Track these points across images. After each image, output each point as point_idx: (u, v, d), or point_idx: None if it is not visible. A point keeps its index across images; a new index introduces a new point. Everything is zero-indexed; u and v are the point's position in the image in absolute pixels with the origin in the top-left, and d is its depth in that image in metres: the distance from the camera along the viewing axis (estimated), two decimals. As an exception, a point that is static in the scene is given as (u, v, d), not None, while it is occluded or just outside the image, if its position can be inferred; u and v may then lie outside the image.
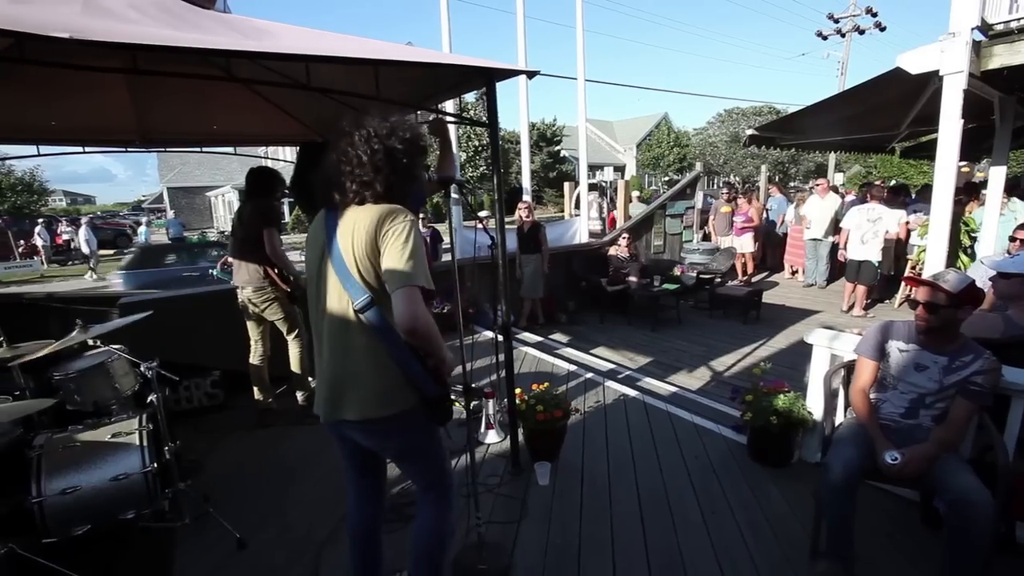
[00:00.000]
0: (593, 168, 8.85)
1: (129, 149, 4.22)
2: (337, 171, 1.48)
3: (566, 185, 11.83)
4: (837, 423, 2.39)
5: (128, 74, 3.24)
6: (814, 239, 8.09)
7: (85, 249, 15.05)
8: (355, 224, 1.45)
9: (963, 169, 9.11)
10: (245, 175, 3.55)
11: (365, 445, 1.61)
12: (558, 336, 6.14)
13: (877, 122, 6.34)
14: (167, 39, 1.54)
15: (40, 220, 20.03)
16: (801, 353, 5.26)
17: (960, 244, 6.17)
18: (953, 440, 1.96)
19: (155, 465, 2.38)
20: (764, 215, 9.39)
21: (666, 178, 36.45)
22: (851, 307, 6.71)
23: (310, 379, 3.84)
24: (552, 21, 36.88)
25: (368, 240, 1.41)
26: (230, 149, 4.72)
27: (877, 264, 6.46)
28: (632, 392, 4.01)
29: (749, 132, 6.60)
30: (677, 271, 7.85)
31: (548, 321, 6.59)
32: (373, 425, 1.51)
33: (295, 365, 3.72)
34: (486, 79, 2.36)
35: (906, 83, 4.28)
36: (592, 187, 9.14)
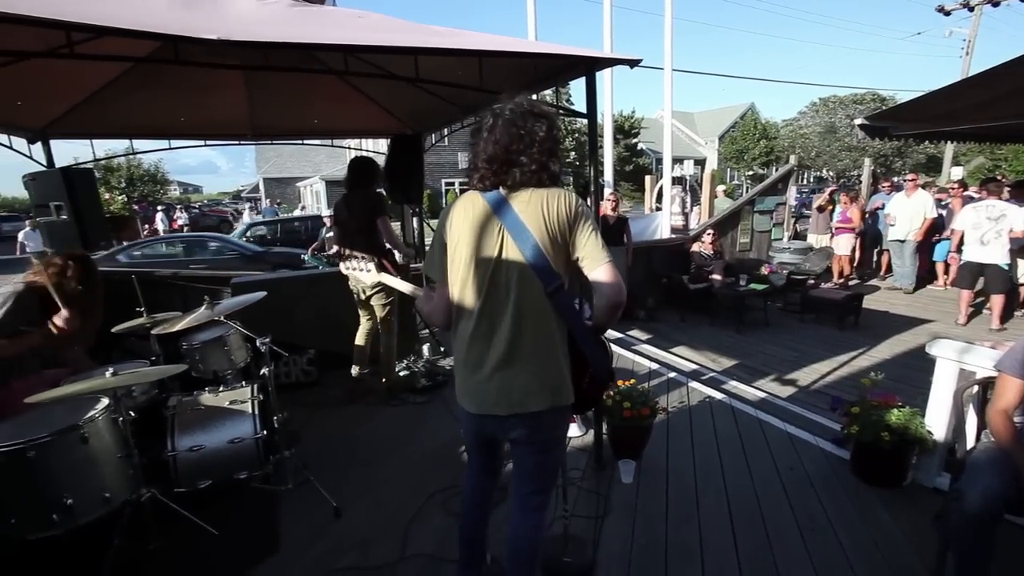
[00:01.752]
0: (673, 162, 8.49)
1: (242, 142, 4.61)
2: (515, 148, 1.44)
3: (647, 179, 11.49)
4: (969, 446, 2.14)
5: (249, 73, 3.53)
6: (898, 240, 7.32)
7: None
8: (543, 209, 1.43)
9: None
10: (348, 165, 3.72)
11: (520, 438, 1.56)
12: (636, 333, 5.98)
13: (1012, 109, 5.56)
14: (299, 36, 1.64)
15: (160, 207, 22.48)
16: (911, 366, 4.83)
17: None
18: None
19: (264, 432, 2.59)
20: (867, 215, 8.56)
21: (750, 172, 34.37)
22: (969, 318, 5.98)
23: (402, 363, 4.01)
24: (635, 9, 35.70)
25: (562, 223, 1.43)
26: (328, 141, 5.00)
27: (1007, 267, 5.69)
28: (718, 395, 3.83)
29: (859, 121, 6.01)
30: (765, 270, 7.38)
31: (625, 317, 6.44)
32: (554, 415, 1.52)
33: (385, 354, 3.89)
34: (586, 68, 2.32)
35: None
36: (675, 181, 8.80)
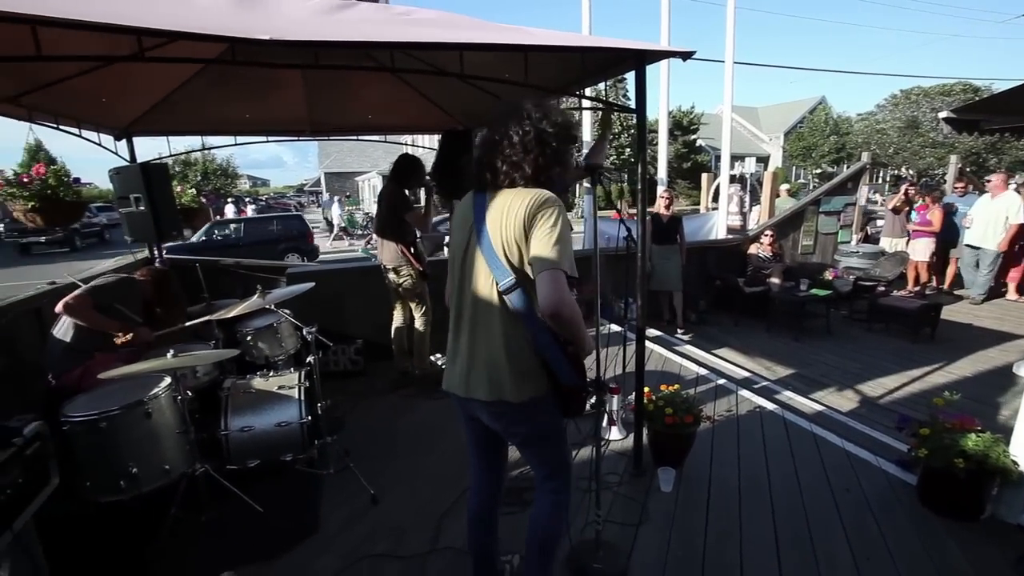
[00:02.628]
0: (733, 159, 8.07)
1: (300, 138, 4.81)
2: (489, 151, 1.50)
3: (703, 176, 11.04)
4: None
5: (306, 71, 3.67)
6: (973, 245, 6.63)
7: (336, 222, 18.65)
8: (505, 207, 1.45)
9: None
10: (395, 160, 3.84)
11: (492, 427, 1.63)
12: (685, 335, 5.78)
13: None
14: (347, 35, 1.68)
15: (230, 199, 24.00)
16: (994, 385, 4.39)
17: None
18: None
19: (309, 418, 2.70)
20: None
21: (818, 170, 32.35)
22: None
23: (434, 357, 4.07)
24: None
25: (518, 223, 1.41)
26: (381, 137, 5.13)
27: None
28: (769, 405, 3.63)
29: (944, 115, 5.51)
30: (829, 275, 6.93)
31: (675, 318, 6.24)
32: (503, 407, 1.52)
33: (418, 341, 3.97)
34: (636, 62, 2.24)
35: None
36: (733, 179, 8.40)
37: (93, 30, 1.59)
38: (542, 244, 1.38)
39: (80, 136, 3.58)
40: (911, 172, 26.22)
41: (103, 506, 2.20)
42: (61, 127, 3.36)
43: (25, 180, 2.76)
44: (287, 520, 2.43)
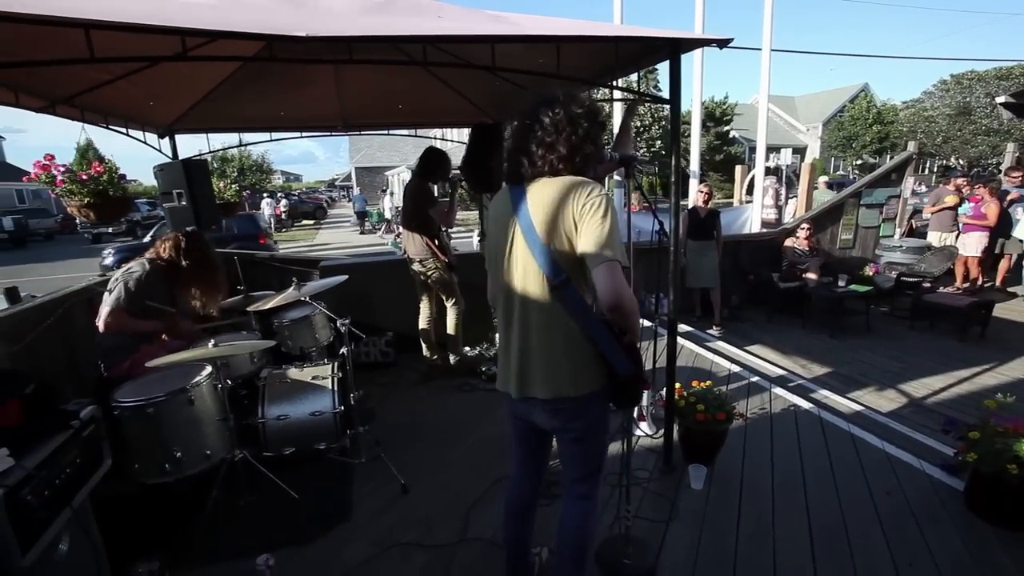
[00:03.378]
0: (769, 150, 7.78)
1: (333, 133, 4.90)
2: (522, 138, 1.47)
3: (737, 169, 10.74)
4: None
5: (338, 66, 3.73)
6: None
7: (388, 215, 18.71)
8: (547, 197, 1.42)
9: None
10: (421, 154, 3.87)
11: (546, 425, 1.60)
12: (716, 331, 5.66)
13: None
14: (381, 29, 1.69)
15: (265, 194, 24.67)
16: (1055, 388, 4.15)
17: None
18: None
19: (342, 408, 2.77)
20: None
21: (859, 161, 31.04)
22: None
23: (466, 348, 4.11)
24: (730, -14, 33.27)
25: (566, 215, 1.39)
26: (411, 131, 5.18)
27: None
28: (805, 404, 3.53)
29: (1001, 99, 5.21)
30: (869, 271, 6.67)
31: (707, 314, 6.12)
32: (562, 403, 1.50)
33: (451, 330, 4.01)
34: (671, 51, 2.19)
35: None
36: (768, 171, 8.14)
37: (141, 32, 1.65)
38: (595, 236, 1.34)
39: (127, 135, 3.74)
40: (961, 162, 24.89)
41: (150, 487, 2.31)
42: (110, 126, 3.51)
43: (84, 178, 2.89)
44: (320, 506, 2.50)
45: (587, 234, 1.35)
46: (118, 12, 1.68)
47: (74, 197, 2.90)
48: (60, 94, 2.89)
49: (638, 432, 3.08)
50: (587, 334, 1.43)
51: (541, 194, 1.44)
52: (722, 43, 2.17)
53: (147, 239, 12.71)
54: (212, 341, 2.39)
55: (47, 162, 2.83)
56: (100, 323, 2.62)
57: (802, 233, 6.49)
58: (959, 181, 7.23)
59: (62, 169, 2.88)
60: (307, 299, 2.83)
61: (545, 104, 1.46)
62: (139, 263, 2.77)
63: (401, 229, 4.22)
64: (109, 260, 11.55)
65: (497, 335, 1.68)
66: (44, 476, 1.40)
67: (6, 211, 22.55)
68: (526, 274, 1.48)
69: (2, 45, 1.68)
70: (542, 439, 1.75)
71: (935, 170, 26.65)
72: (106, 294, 2.68)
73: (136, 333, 2.69)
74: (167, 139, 4.34)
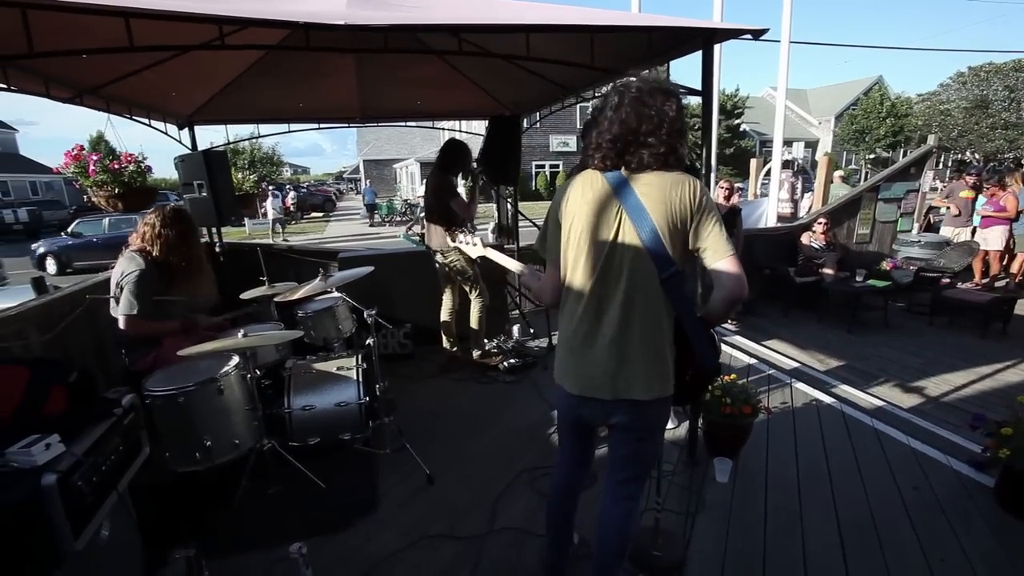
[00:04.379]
0: (781, 144, 7.66)
1: (351, 124, 4.90)
2: (638, 126, 1.38)
3: (752, 162, 10.62)
4: None
5: (361, 58, 3.72)
6: None
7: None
8: (667, 194, 1.38)
9: None
10: (442, 145, 3.85)
11: (621, 425, 1.53)
12: (732, 326, 5.63)
13: None
14: (411, 18, 1.68)
15: (272, 187, 24.71)
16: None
17: None
18: None
19: (367, 399, 2.78)
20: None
21: (871, 155, 30.64)
22: None
23: (486, 340, 4.12)
24: (743, -24, 32.83)
25: (685, 210, 1.37)
26: (429, 123, 5.17)
27: None
28: (826, 398, 3.51)
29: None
30: (887, 265, 6.60)
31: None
32: (652, 405, 1.48)
33: (475, 323, 4.01)
34: (703, 41, 2.16)
35: None
36: (784, 164, 8.05)
37: (180, 20, 1.66)
38: (716, 231, 1.39)
39: (149, 125, 3.76)
40: (977, 156, 24.51)
41: (181, 475, 2.34)
42: (133, 117, 3.53)
43: (116, 168, 2.90)
44: (347, 496, 2.52)
45: (708, 229, 1.39)
46: (155, 1, 1.68)
47: (103, 187, 2.90)
48: (88, 84, 2.91)
49: (662, 425, 3.08)
50: (686, 328, 1.45)
51: (656, 186, 1.39)
52: (757, 33, 2.13)
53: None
54: (241, 331, 2.40)
55: (78, 152, 2.84)
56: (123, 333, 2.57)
57: (819, 228, 6.43)
58: (969, 178, 7.11)
59: (94, 159, 2.88)
60: (333, 290, 2.84)
61: (665, 95, 1.39)
62: (131, 261, 2.55)
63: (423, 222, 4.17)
64: (42, 250, 11.92)
65: (560, 324, 1.59)
66: (92, 462, 1.42)
67: (21, 203, 22.83)
68: (634, 266, 1.41)
69: (42, 35, 1.68)
70: (595, 430, 1.72)
71: (950, 164, 26.26)
72: (112, 302, 2.55)
73: (156, 335, 2.64)
74: (186, 130, 4.35)
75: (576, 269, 1.49)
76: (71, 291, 2.95)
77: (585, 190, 1.47)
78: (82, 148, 2.93)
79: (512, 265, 1.96)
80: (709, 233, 1.39)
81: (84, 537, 1.35)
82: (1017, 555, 2.09)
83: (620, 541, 1.64)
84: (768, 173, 7.53)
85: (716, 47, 6.62)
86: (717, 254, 1.38)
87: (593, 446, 1.80)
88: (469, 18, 1.90)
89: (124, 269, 2.54)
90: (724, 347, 4.46)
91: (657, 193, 1.38)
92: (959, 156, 26.36)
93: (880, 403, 3.67)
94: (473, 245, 2.11)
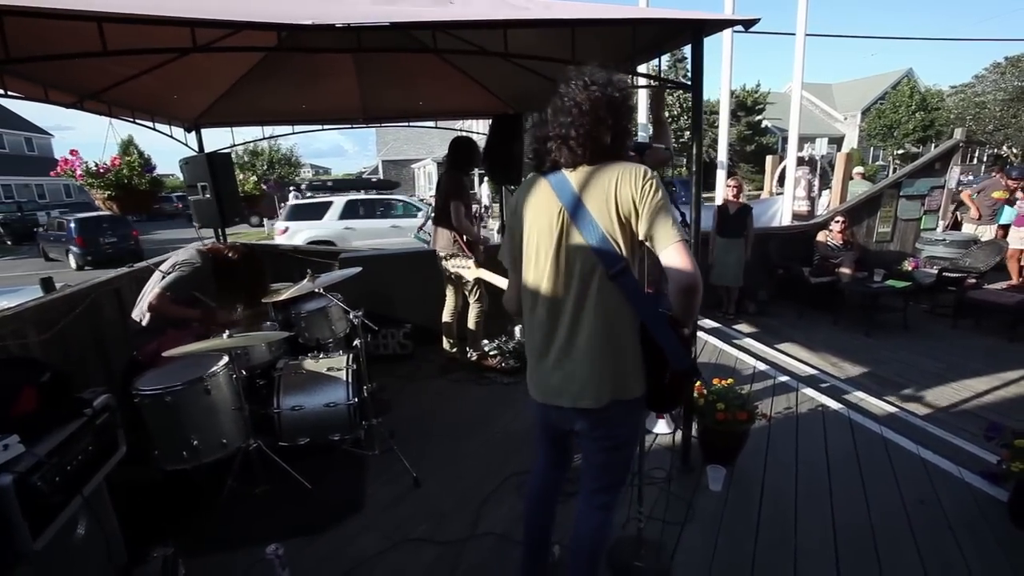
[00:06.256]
0: (803, 140, 7.40)
1: (355, 126, 4.92)
2: (560, 123, 1.37)
3: (768, 159, 10.36)
4: None
5: (358, 58, 3.72)
6: None
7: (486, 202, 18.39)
8: (605, 187, 1.34)
9: None
10: (449, 144, 3.81)
11: (585, 433, 1.49)
12: (743, 327, 5.48)
13: None
14: (385, 16, 1.65)
15: (291, 187, 25.14)
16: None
17: None
18: None
19: (356, 399, 2.77)
20: None
21: (900, 151, 29.58)
22: None
23: (484, 341, 4.08)
24: (766, -31, 32.05)
25: (625, 200, 1.32)
26: (432, 123, 5.16)
27: None
28: (834, 404, 3.37)
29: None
30: (908, 265, 6.36)
31: (737, 311, 5.93)
32: (608, 411, 1.41)
33: (472, 325, 3.98)
34: (693, 33, 2.08)
35: None
36: (801, 161, 7.82)
37: (151, 23, 1.66)
38: (658, 218, 1.30)
39: (154, 129, 3.82)
40: (1015, 151, 23.47)
41: (169, 474, 2.37)
42: (137, 121, 3.60)
43: (101, 171, 2.97)
44: (333, 497, 2.52)
45: (650, 215, 1.31)
46: (128, 5, 1.69)
47: (95, 190, 2.98)
48: (88, 89, 2.97)
49: (655, 431, 3.00)
50: (649, 327, 1.37)
51: (592, 181, 1.36)
52: (748, 23, 2.05)
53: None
54: (227, 332, 2.41)
55: (71, 157, 2.92)
56: (145, 303, 2.69)
57: (836, 226, 6.22)
58: (1012, 182, 6.77)
59: (78, 164, 2.96)
60: (320, 291, 2.84)
61: (586, 87, 1.35)
62: (198, 255, 2.83)
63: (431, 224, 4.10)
64: None
65: (523, 336, 1.60)
66: (56, 463, 1.42)
67: (55, 205, 23.73)
68: (581, 265, 1.38)
69: (24, 41, 1.71)
70: (570, 435, 1.67)
71: (984, 159, 25.20)
72: (157, 274, 2.77)
73: (175, 319, 2.75)
74: (193, 133, 4.42)
75: (529, 276, 1.48)
76: (70, 292, 3.01)
77: (530, 195, 1.47)
78: (76, 153, 3.00)
79: (504, 284, 1.94)
80: (654, 221, 1.31)
81: (44, 537, 1.36)
82: (1026, 575, 1.97)
83: (591, 549, 1.60)
84: (784, 171, 7.31)
85: (725, 41, 6.46)
86: (662, 242, 1.30)
87: (569, 453, 1.76)
88: (442, 15, 1.86)
89: (187, 258, 2.79)
90: (732, 351, 4.35)
91: (595, 187, 1.35)
92: (994, 151, 25.28)
93: (892, 410, 3.52)
94: (467, 268, 2.11)
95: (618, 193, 1.32)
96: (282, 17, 1.66)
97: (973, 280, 6.05)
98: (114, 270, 3.50)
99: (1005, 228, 6.85)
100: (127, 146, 3.41)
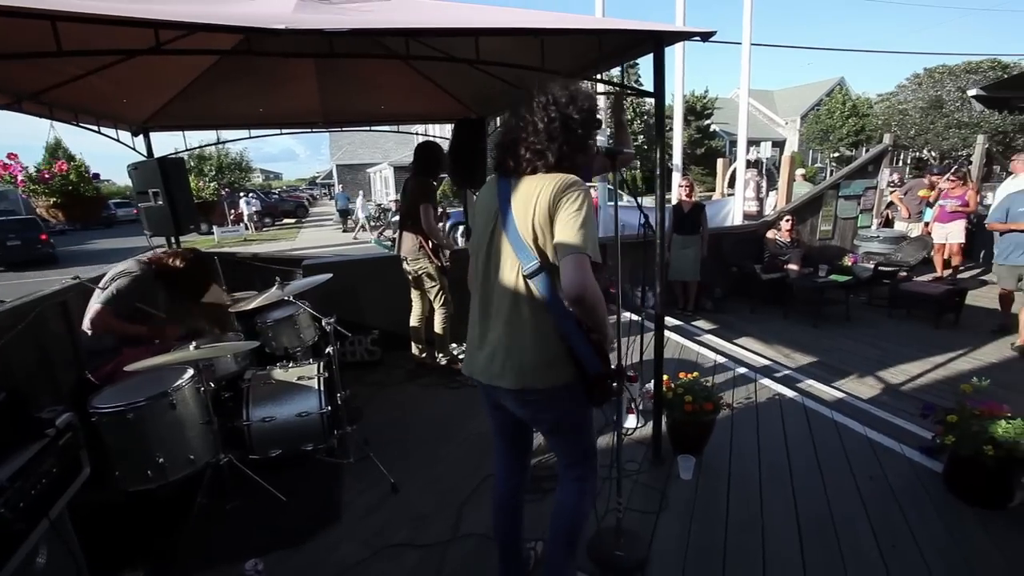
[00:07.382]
0: (749, 143, 7.82)
1: (314, 130, 4.82)
2: (513, 137, 1.49)
3: (719, 162, 10.85)
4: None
5: (319, 62, 3.66)
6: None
7: (362, 216, 18.53)
8: (531, 193, 1.43)
9: None
10: (414, 150, 3.79)
11: (518, 415, 1.62)
12: (702, 323, 5.72)
13: None
14: (360, 22, 1.66)
15: (241, 193, 24.14)
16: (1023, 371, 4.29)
17: None
18: None
19: (329, 408, 2.73)
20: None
21: (835, 154, 31.57)
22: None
23: (452, 345, 4.09)
24: (709, -20, 33.54)
25: (542, 208, 1.40)
26: (394, 127, 5.13)
27: None
28: (789, 392, 3.59)
29: (973, 92, 5.34)
30: (848, 261, 6.79)
31: (687, 304, 6.19)
32: (530, 395, 1.51)
33: (439, 329, 3.97)
34: (655, 44, 2.19)
35: None
36: (749, 164, 8.24)
37: (110, 24, 1.60)
38: (567, 228, 1.36)
39: (99, 132, 3.62)
40: (933, 154, 25.48)
41: (132, 495, 2.25)
42: (80, 124, 3.40)
43: (47, 177, 2.79)
44: (309, 508, 2.47)
45: (560, 225, 1.38)
46: (86, 4, 1.62)
47: (40, 197, 2.80)
48: (27, 90, 2.79)
49: (626, 425, 3.10)
50: (560, 328, 1.44)
51: (526, 189, 1.46)
52: (705, 35, 2.17)
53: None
54: (193, 343, 2.33)
55: (10, 161, 2.73)
56: (87, 320, 2.55)
57: (784, 225, 6.59)
58: (935, 178, 7.37)
59: (20, 169, 2.77)
60: (290, 298, 2.78)
61: (540, 103, 1.46)
62: (137, 264, 2.74)
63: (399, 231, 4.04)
64: None
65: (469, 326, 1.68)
66: (19, 487, 1.35)
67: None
68: (504, 264, 1.50)
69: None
70: (521, 430, 1.75)
71: (908, 162, 27.23)
72: (97, 291, 2.64)
73: (123, 336, 2.62)
74: (141, 137, 4.21)
75: (471, 266, 1.63)
76: (12, 306, 2.82)
77: (482, 195, 1.61)
78: (15, 156, 2.80)
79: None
80: (561, 229, 1.37)
81: (10, 566, 1.29)
82: (961, 536, 2.17)
83: (569, 520, 1.67)
84: (734, 173, 7.69)
85: (678, 49, 6.73)
86: (561, 251, 1.37)
87: (521, 440, 1.79)
88: (416, 22, 1.88)
89: (123, 268, 2.71)
90: (693, 346, 4.53)
91: (525, 194, 1.45)
92: (917, 154, 27.36)
93: (841, 395, 3.77)
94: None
95: (538, 201, 1.41)
96: (251, 21, 1.64)
97: (904, 273, 6.55)
98: (69, 280, 3.28)
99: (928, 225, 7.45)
100: (54, 149, 3.20)
